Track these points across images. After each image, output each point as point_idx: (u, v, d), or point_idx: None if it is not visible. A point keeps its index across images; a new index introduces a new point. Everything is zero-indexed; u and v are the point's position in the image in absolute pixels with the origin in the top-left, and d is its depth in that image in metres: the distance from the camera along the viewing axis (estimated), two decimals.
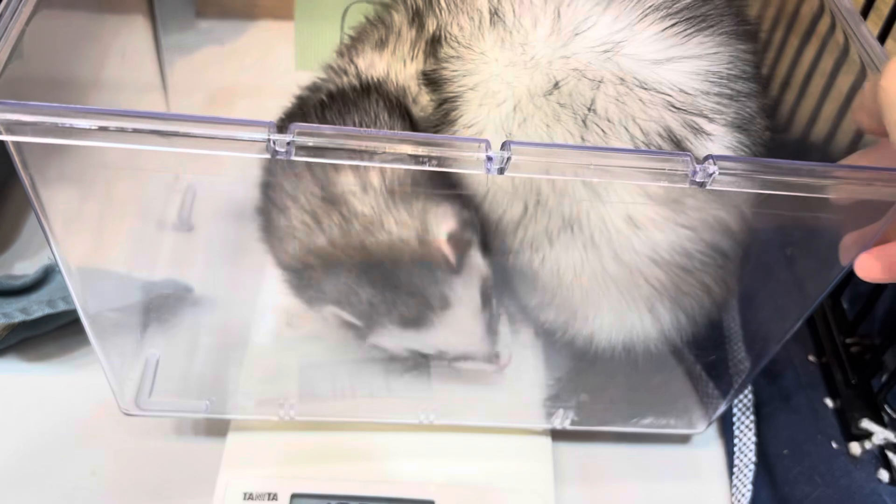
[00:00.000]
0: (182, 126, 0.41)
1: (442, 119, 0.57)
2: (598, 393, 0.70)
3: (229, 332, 0.73)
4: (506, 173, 0.42)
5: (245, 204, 0.67)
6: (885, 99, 0.40)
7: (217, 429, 0.68)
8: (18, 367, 0.73)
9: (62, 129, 0.41)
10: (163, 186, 0.85)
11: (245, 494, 0.64)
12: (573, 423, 0.68)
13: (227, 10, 1.00)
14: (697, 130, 0.52)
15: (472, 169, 0.43)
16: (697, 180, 0.43)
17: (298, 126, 0.42)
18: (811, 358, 0.80)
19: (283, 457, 0.66)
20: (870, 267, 0.46)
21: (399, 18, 0.62)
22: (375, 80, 0.62)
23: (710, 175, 0.42)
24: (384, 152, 0.42)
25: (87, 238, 0.63)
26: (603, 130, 0.52)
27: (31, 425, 0.70)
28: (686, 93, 0.52)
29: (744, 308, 0.66)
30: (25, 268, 0.77)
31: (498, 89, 0.54)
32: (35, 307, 0.66)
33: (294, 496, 0.64)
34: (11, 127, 0.41)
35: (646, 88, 0.52)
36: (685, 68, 0.53)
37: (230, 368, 0.71)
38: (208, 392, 0.68)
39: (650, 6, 0.54)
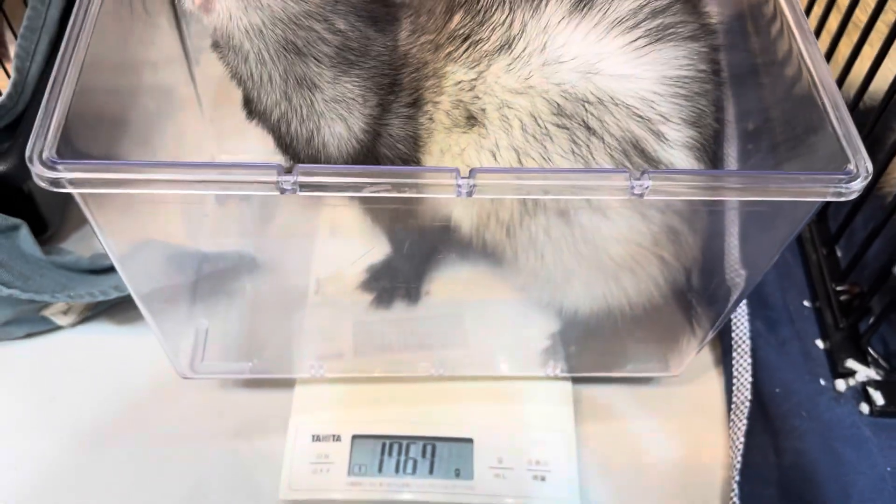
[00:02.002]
0: (208, 174, 0.51)
1: (467, 127, 0.65)
2: (584, 347, 0.80)
3: (269, 300, 0.83)
4: (473, 195, 0.51)
5: None
6: None
7: (286, 383, 0.79)
8: (108, 329, 0.85)
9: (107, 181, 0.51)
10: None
11: (313, 436, 0.76)
12: (563, 371, 0.79)
13: None
14: (657, 135, 0.61)
15: (445, 194, 0.51)
16: (636, 193, 0.51)
17: (301, 167, 0.51)
18: (806, 303, 0.89)
19: (343, 404, 0.78)
20: None
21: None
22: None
23: (646, 188, 0.51)
24: (375, 183, 0.51)
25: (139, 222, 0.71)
26: (587, 145, 0.61)
27: (126, 378, 0.81)
28: (648, 100, 0.60)
29: (704, 272, 0.75)
30: None
31: (508, 115, 0.62)
32: None
33: (355, 437, 0.76)
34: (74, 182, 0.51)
35: (616, 104, 0.60)
36: (647, 77, 0.60)
37: (269, 334, 0.82)
38: (251, 355, 0.79)
39: (615, 20, 0.61)
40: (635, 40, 0.61)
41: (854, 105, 0.84)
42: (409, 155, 0.67)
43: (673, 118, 0.61)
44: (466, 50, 0.64)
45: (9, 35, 0.93)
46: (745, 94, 0.73)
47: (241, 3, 0.62)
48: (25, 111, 0.80)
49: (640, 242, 0.65)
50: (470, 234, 0.69)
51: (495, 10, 0.63)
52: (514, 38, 0.62)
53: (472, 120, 0.64)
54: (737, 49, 0.73)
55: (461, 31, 0.64)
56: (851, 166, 0.53)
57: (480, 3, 0.64)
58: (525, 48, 0.62)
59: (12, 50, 0.81)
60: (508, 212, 0.65)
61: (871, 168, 0.53)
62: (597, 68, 0.60)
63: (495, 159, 0.63)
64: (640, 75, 0.60)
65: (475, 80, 0.63)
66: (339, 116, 0.66)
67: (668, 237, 0.66)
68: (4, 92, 0.78)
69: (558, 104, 0.61)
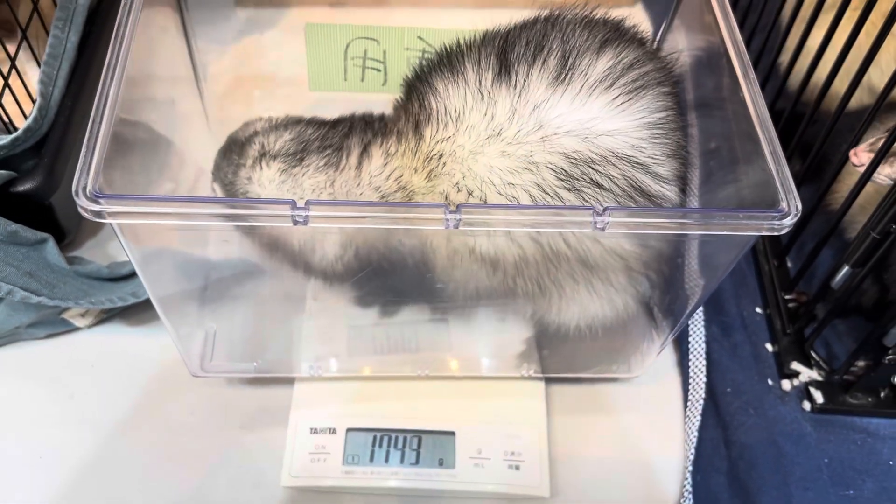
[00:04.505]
0: (231, 209, 0.59)
1: None
2: (555, 351, 0.88)
3: (272, 305, 0.91)
4: (460, 227, 0.58)
5: None
6: None
7: (287, 381, 0.87)
8: (122, 331, 0.92)
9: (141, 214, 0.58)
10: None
11: (311, 429, 0.84)
12: (536, 371, 0.88)
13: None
14: (654, 175, 0.68)
15: (435, 226, 0.58)
16: (598, 227, 0.58)
17: (313, 201, 0.58)
18: (758, 310, 0.98)
19: (339, 401, 0.86)
20: None
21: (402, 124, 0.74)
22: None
23: (606, 223, 0.58)
24: (372, 216, 0.59)
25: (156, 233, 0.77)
26: (597, 199, 0.67)
27: (139, 376, 0.88)
28: (639, 147, 0.68)
29: (664, 288, 0.83)
30: None
31: (513, 192, 0.68)
32: (143, 290, 0.84)
33: (349, 430, 0.84)
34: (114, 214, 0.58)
35: (618, 157, 0.67)
36: (633, 126, 0.67)
37: (271, 337, 0.90)
38: (255, 356, 0.87)
39: (593, 82, 0.67)
40: (616, 97, 0.67)
41: (810, 117, 0.91)
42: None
43: (659, 156, 0.68)
44: (444, 165, 0.70)
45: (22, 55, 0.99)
46: (708, 126, 0.81)
47: (339, 249, 0.78)
48: (49, 132, 0.87)
49: (612, 265, 0.73)
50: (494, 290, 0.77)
51: (469, 111, 0.69)
52: (502, 126, 0.67)
53: None
54: (701, 86, 0.81)
55: (434, 152, 0.70)
56: (784, 205, 0.62)
57: (448, 115, 0.70)
58: (519, 130, 0.66)
59: (35, 76, 0.87)
60: (535, 268, 0.72)
61: (800, 207, 0.61)
62: (592, 131, 0.66)
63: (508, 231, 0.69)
64: (627, 126, 0.67)
65: (459, 182, 0.69)
66: None
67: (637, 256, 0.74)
68: (30, 115, 0.85)
69: (565, 170, 0.66)
